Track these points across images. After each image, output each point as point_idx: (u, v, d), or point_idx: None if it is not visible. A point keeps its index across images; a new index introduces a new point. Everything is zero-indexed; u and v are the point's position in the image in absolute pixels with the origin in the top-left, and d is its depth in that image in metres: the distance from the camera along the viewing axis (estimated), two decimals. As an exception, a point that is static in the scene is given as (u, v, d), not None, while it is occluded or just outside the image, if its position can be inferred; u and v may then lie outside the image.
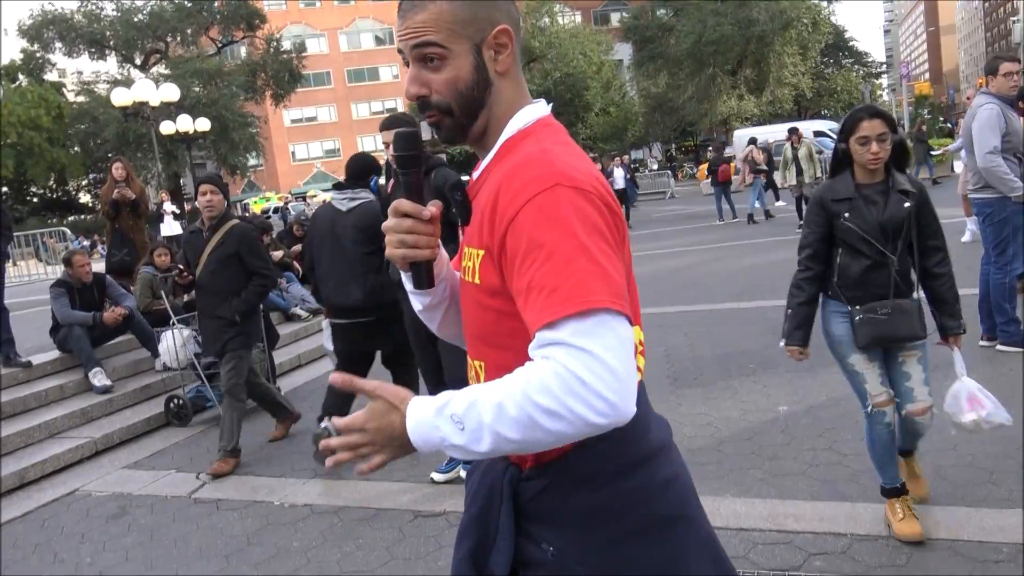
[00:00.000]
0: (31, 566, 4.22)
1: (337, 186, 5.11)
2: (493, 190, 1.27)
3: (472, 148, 1.40)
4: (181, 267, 5.47)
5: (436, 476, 4.64)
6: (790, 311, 3.37)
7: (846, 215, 3.20)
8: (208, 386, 6.47)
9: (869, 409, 3.28)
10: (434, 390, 4.65)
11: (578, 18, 57.56)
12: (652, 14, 48.85)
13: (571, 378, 1.08)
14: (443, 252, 1.48)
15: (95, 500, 5.10)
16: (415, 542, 3.93)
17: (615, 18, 62.32)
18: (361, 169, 5.08)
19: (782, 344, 3.41)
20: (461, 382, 3.82)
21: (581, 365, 1.08)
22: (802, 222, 13.72)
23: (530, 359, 1.15)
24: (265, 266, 5.41)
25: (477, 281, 1.30)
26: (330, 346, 5.46)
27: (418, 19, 1.29)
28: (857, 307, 3.22)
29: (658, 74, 47.72)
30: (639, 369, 1.29)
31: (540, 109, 1.38)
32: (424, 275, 1.41)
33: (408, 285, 1.46)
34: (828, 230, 3.27)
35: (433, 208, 1.36)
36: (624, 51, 53.32)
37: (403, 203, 1.35)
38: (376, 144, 66.56)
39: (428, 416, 1.15)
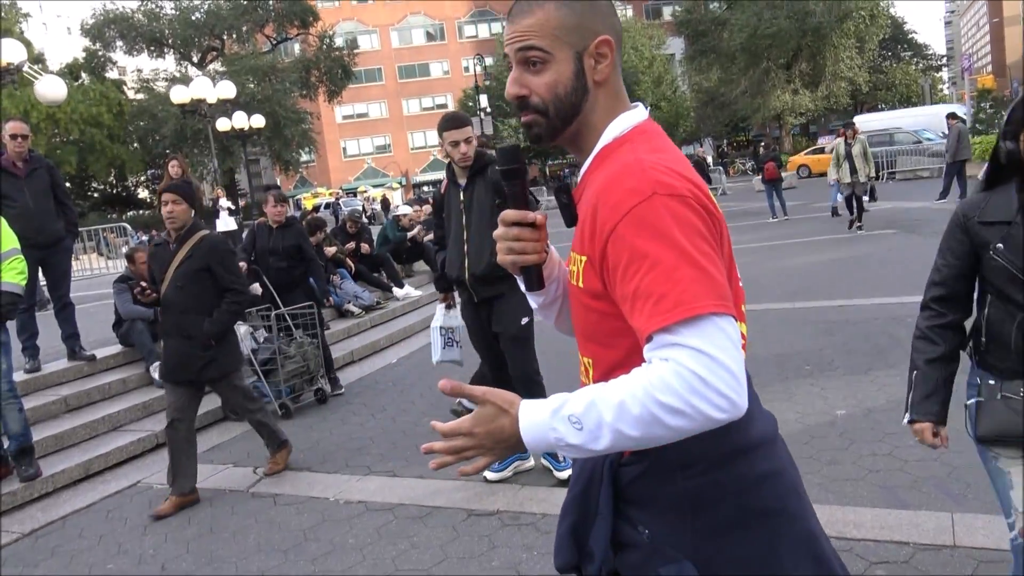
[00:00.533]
0: (96, 556, 4.34)
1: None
2: (592, 199, 1.33)
3: (569, 152, 1.48)
4: (143, 284, 5.04)
5: (489, 475, 4.66)
6: (916, 372, 2.32)
7: (998, 247, 2.15)
8: (264, 382, 6.58)
9: (1014, 534, 2.24)
10: (497, 384, 4.67)
11: (629, 12, 57.17)
12: (705, 8, 48.27)
13: (693, 377, 1.14)
14: (554, 253, 1.57)
15: (156, 492, 5.22)
16: (469, 541, 3.95)
17: (667, 12, 61.72)
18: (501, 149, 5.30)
19: (905, 421, 2.34)
20: (525, 379, 3.84)
21: (700, 365, 1.15)
22: (856, 223, 13.49)
23: (641, 359, 1.23)
24: (239, 281, 4.99)
25: (581, 285, 1.38)
26: (437, 324, 5.50)
27: (524, 24, 1.37)
28: (991, 382, 2.23)
29: (710, 68, 47.20)
30: None
31: (637, 115, 1.42)
32: (534, 277, 1.50)
33: (521, 287, 1.55)
34: (972, 264, 2.23)
35: (539, 215, 1.44)
36: (676, 45, 52.83)
37: (509, 213, 1.44)
38: (427, 140, 67.18)
39: (543, 418, 1.21)
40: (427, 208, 14.51)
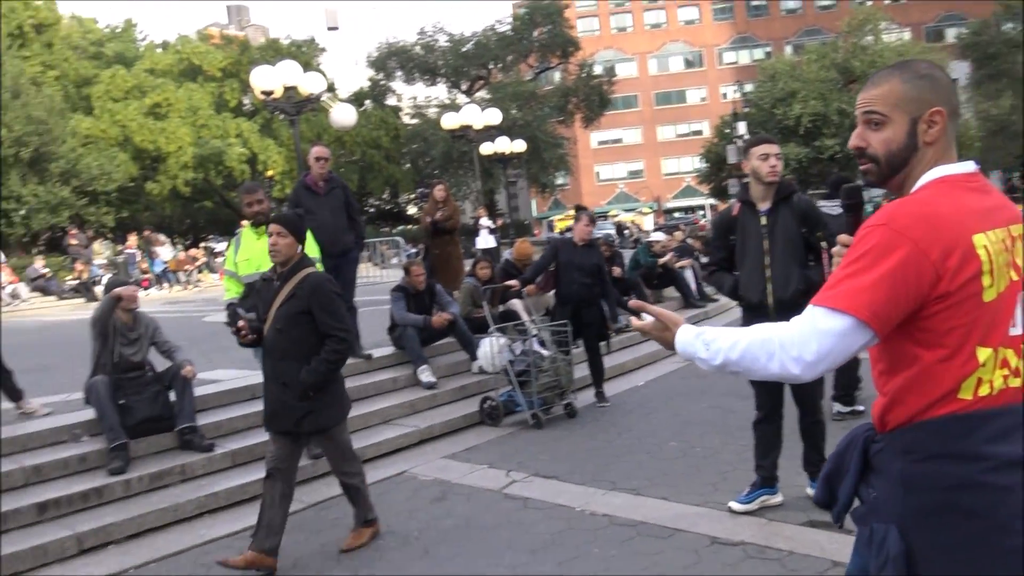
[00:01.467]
0: (369, 533, 4.85)
1: (825, 196, 5.75)
2: None
3: (894, 194, 1.82)
4: (240, 324, 4.41)
5: (735, 505, 4.64)
6: None
7: None
8: (520, 392, 6.96)
9: None
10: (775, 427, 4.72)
11: (907, 35, 53.38)
12: (997, 28, 44.03)
13: (789, 343, 1.64)
14: None
15: (420, 483, 5.72)
16: (711, 567, 3.97)
17: (951, 34, 56.97)
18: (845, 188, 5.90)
19: None
20: (813, 407, 4.12)
21: (801, 338, 1.63)
22: None
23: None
24: (342, 327, 4.39)
25: None
26: None
27: (872, 93, 1.77)
28: None
29: (1000, 95, 42.88)
30: (990, 385, 1.63)
31: (952, 169, 1.73)
32: None
33: None
34: None
35: None
36: (960, 70, 48.49)
37: (843, 237, 1.85)
38: (680, 167, 66.88)
39: (690, 339, 1.80)
40: (679, 235, 14.52)
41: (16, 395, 6.27)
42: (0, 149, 25.19)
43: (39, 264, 21.75)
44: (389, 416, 6.98)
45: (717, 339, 1.73)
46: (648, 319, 1.92)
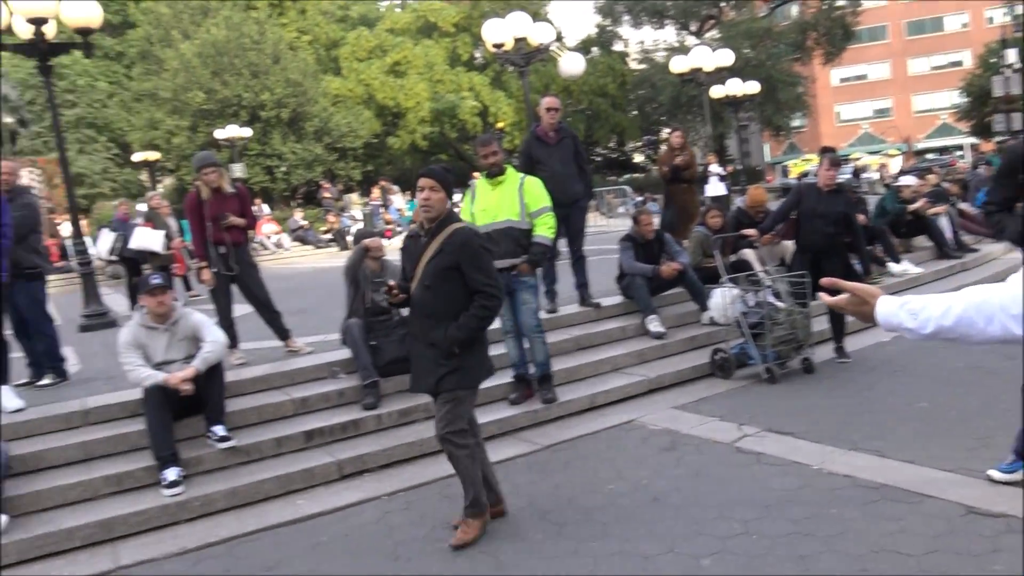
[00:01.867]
0: (599, 476, 4.98)
1: None
2: None
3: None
4: (391, 283, 4.34)
5: (995, 474, 4.26)
6: None
7: None
8: (753, 344, 6.75)
9: None
10: None
11: None
12: None
13: (1012, 302, 1.60)
14: None
15: (649, 431, 5.76)
16: (966, 538, 3.70)
17: None
18: None
19: None
20: None
21: None
22: None
23: None
24: (490, 283, 4.21)
25: None
26: None
27: None
28: None
29: None
30: None
31: None
32: None
33: None
34: None
35: None
36: None
37: None
38: (934, 103, 60.90)
39: (893, 309, 1.77)
40: (932, 179, 13.30)
41: (284, 334, 7.00)
42: (264, 111, 27.85)
43: (298, 216, 23.99)
44: (618, 364, 7.04)
45: (926, 307, 1.69)
46: (842, 295, 1.86)
